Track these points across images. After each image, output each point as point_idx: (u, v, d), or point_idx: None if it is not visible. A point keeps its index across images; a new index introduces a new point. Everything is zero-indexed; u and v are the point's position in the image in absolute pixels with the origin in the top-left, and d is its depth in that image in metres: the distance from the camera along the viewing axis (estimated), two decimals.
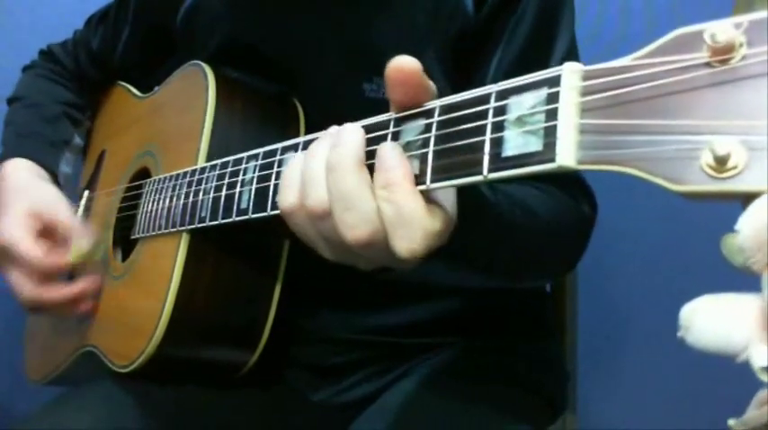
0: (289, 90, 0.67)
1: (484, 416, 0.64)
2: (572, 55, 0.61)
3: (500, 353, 0.71)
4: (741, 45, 0.25)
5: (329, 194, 0.38)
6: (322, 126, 0.64)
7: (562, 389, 0.77)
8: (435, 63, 0.60)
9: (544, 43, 0.60)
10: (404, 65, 0.35)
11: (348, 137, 0.38)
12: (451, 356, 0.70)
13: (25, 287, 0.67)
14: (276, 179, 0.47)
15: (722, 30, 0.25)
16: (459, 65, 0.61)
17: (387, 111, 0.64)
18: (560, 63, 0.57)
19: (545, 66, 0.59)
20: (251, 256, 0.62)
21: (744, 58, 0.25)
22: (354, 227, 0.36)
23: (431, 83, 0.37)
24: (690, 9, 0.92)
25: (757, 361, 0.22)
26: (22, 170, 0.76)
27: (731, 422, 0.24)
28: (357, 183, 0.36)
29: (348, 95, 0.63)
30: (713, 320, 0.24)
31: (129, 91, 0.83)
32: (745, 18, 0.25)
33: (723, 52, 0.25)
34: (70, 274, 0.72)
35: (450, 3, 0.60)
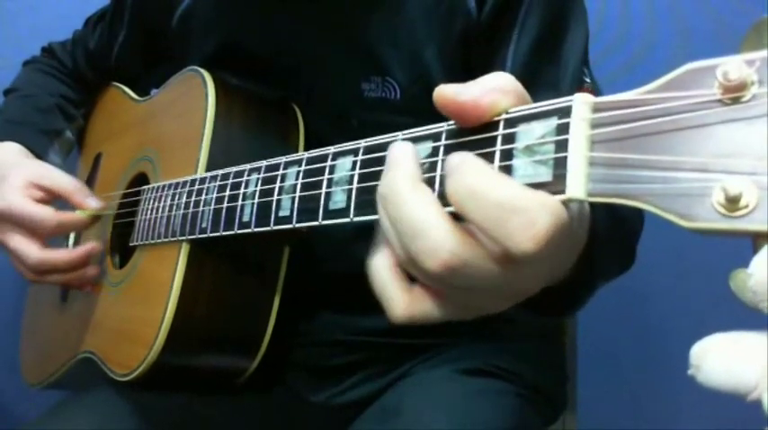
0: (287, 92, 0.67)
1: (483, 416, 0.64)
2: (584, 55, 0.60)
3: (499, 353, 0.71)
4: (753, 83, 0.25)
5: (392, 229, 0.32)
6: (321, 127, 0.65)
7: (562, 389, 0.77)
8: (436, 63, 0.60)
9: (556, 36, 0.59)
10: (437, 97, 0.33)
11: (395, 156, 0.34)
12: (450, 357, 0.70)
13: (31, 250, 0.67)
14: (279, 194, 0.47)
15: (735, 67, 0.25)
16: (471, 65, 0.60)
17: (385, 110, 0.65)
18: (574, 60, 0.58)
19: (558, 60, 0.59)
20: (251, 264, 0.62)
21: (755, 97, 0.25)
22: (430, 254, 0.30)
23: (485, 99, 0.32)
24: (690, 9, 0.91)
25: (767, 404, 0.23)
26: (14, 151, 0.77)
27: None
28: (415, 207, 0.31)
29: (347, 95, 0.63)
30: (724, 361, 0.24)
31: (126, 93, 0.83)
32: (757, 56, 0.25)
33: (735, 90, 0.25)
34: None
35: (449, 2, 0.59)
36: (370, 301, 0.70)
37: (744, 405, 0.25)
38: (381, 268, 0.35)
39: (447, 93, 0.32)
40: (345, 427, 0.70)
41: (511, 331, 0.73)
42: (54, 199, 0.72)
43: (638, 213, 0.56)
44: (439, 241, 0.30)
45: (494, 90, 0.32)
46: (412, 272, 0.33)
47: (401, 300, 0.34)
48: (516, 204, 0.29)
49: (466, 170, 0.30)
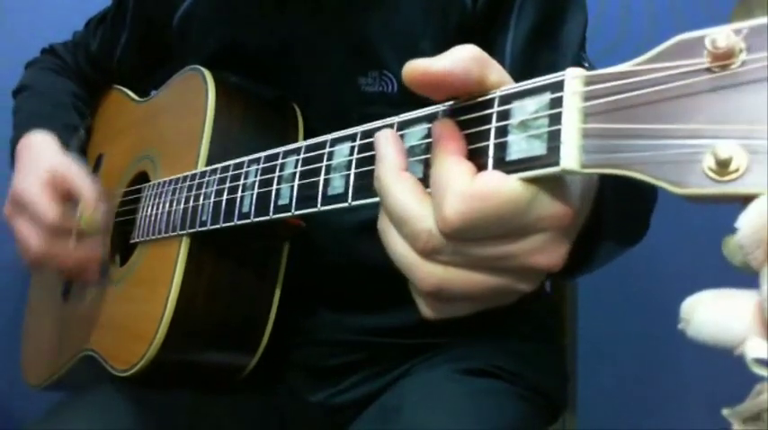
0: (286, 90, 0.67)
1: (483, 416, 0.64)
2: (582, 39, 0.60)
3: (499, 353, 0.71)
4: (741, 51, 0.25)
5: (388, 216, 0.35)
6: (320, 124, 0.65)
7: (562, 389, 0.77)
8: (433, 55, 0.60)
9: (555, 20, 0.59)
10: (407, 73, 0.34)
11: (379, 148, 0.36)
12: (451, 357, 0.70)
13: (34, 239, 0.67)
14: (278, 184, 0.47)
15: (723, 36, 0.26)
16: None
17: (383, 104, 0.65)
18: (573, 45, 0.58)
19: (558, 44, 0.59)
20: (251, 260, 0.62)
21: (743, 63, 0.25)
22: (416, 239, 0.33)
23: (461, 71, 0.33)
24: (691, 7, 0.92)
25: (750, 352, 0.23)
26: (48, 139, 0.76)
27: (725, 411, 0.24)
28: (398, 196, 0.34)
29: (344, 90, 0.63)
30: (713, 314, 0.25)
31: (127, 95, 0.84)
32: (744, 24, 0.26)
33: (724, 58, 0.26)
34: None
35: None
36: (370, 301, 0.70)
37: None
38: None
39: (418, 67, 0.33)
40: (345, 427, 0.70)
41: (511, 332, 0.73)
42: (74, 197, 0.70)
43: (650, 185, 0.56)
44: (418, 225, 0.33)
45: (463, 59, 0.33)
46: (414, 258, 0.34)
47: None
48: (441, 184, 0.32)
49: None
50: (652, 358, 1.02)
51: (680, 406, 1.05)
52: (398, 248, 0.34)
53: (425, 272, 0.33)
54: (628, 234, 0.54)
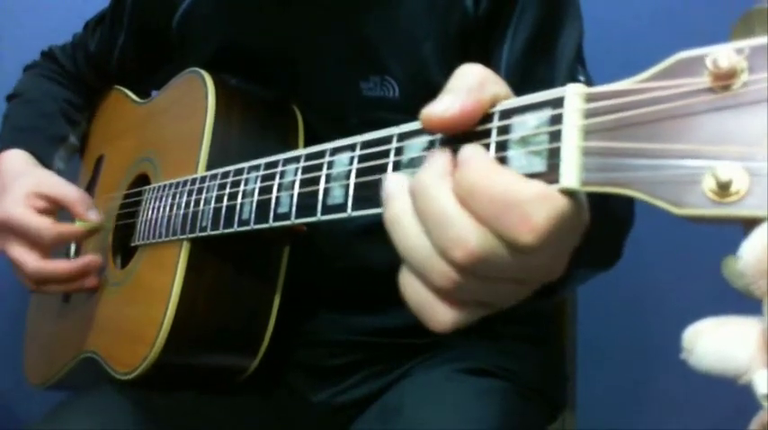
0: (287, 92, 0.67)
1: (483, 415, 0.64)
2: (579, 53, 0.60)
3: (499, 353, 0.71)
4: (743, 71, 0.25)
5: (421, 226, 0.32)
6: (321, 127, 0.65)
7: (561, 389, 0.77)
8: (434, 58, 0.60)
9: (550, 33, 0.59)
10: (425, 124, 0.32)
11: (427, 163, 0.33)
12: (451, 357, 0.70)
13: (29, 260, 0.68)
14: (278, 191, 0.47)
15: (724, 55, 0.25)
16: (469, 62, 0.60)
17: (384, 109, 0.65)
18: (568, 57, 0.58)
19: (553, 57, 0.59)
20: (251, 263, 0.62)
21: (745, 84, 0.25)
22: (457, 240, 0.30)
23: (469, 105, 0.32)
24: (694, 12, 0.91)
25: (759, 387, 0.23)
26: (20, 159, 0.77)
27: None
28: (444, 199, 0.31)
29: (346, 95, 0.63)
30: (716, 343, 0.24)
31: (128, 96, 0.83)
32: (746, 43, 0.25)
33: (725, 78, 0.25)
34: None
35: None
36: (370, 301, 0.70)
37: (742, 404, 0.25)
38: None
39: (435, 114, 0.32)
40: (346, 427, 0.71)
41: (511, 332, 0.73)
42: (58, 208, 0.72)
43: (629, 208, 0.56)
44: (466, 230, 0.30)
45: (472, 89, 0.32)
46: (434, 269, 0.32)
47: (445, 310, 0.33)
48: (509, 199, 0.29)
49: (468, 168, 0.31)
50: (651, 358, 1.02)
51: (679, 406, 1.05)
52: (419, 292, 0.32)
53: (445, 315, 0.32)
54: (601, 260, 0.55)
